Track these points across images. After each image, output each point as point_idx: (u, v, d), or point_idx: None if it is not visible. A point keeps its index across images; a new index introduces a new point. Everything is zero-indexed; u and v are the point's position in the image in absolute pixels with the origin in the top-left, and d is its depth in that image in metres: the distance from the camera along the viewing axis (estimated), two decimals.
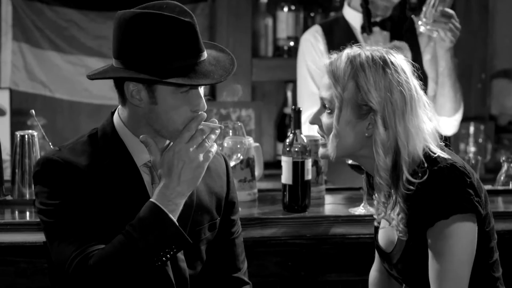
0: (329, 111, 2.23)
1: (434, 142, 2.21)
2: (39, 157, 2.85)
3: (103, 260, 2.08)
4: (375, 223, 2.37)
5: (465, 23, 3.34)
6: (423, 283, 2.21)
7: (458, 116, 3.56)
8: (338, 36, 3.50)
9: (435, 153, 2.18)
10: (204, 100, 2.19)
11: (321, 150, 2.29)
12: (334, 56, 2.24)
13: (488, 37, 4.70)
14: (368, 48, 2.23)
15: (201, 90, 2.21)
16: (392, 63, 2.18)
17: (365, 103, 2.16)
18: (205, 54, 2.18)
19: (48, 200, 2.16)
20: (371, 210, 2.39)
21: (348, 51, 2.22)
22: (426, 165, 2.15)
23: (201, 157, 2.13)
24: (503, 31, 4.85)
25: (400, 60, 2.21)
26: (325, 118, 2.24)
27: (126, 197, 2.20)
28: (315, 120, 2.27)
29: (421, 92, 2.22)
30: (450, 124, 3.54)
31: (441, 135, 2.25)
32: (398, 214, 2.21)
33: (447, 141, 2.30)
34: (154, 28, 2.12)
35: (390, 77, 2.16)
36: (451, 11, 3.34)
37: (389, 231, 2.31)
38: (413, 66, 2.24)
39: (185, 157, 2.12)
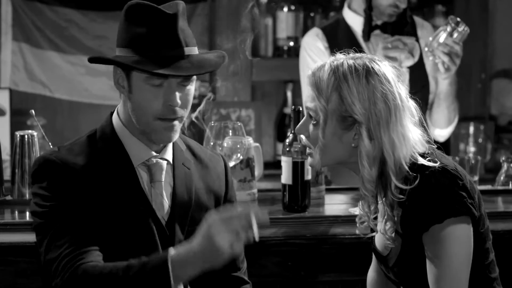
0: (314, 122, 2.21)
1: (422, 148, 2.20)
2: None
3: (92, 276, 2.05)
4: (357, 231, 2.37)
5: (465, 23, 3.32)
6: (420, 286, 2.21)
7: (451, 128, 3.58)
8: (339, 39, 3.48)
9: (420, 161, 2.16)
10: (177, 96, 2.17)
11: (309, 160, 2.28)
12: (317, 66, 2.21)
13: (488, 37, 4.70)
14: (351, 55, 2.20)
15: (191, 87, 2.21)
16: (375, 72, 2.15)
17: (349, 115, 2.14)
18: (190, 50, 2.17)
19: (43, 202, 2.16)
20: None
21: (331, 61, 2.19)
22: (414, 171, 2.13)
23: (226, 242, 1.94)
24: (503, 31, 4.85)
25: (385, 68, 2.18)
26: (311, 129, 2.22)
27: (122, 196, 2.20)
28: (301, 130, 2.25)
29: (406, 99, 2.19)
30: (440, 135, 3.56)
31: (431, 139, 2.24)
32: (385, 222, 2.20)
33: (439, 143, 2.29)
34: (135, 16, 2.15)
35: (374, 87, 2.13)
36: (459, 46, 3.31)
37: None
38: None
39: (212, 232, 1.95)
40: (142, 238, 2.21)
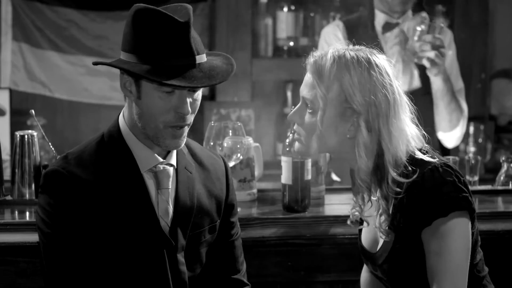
0: (310, 110, 2.20)
1: (419, 144, 2.20)
2: (38, 157, 2.85)
3: None
4: (348, 222, 2.36)
5: (465, 23, 3.32)
6: (409, 284, 2.21)
7: (456, 132, 3.55)
8: (359, 33, 3.49)
9: (419, 155, 2.16)
10: (188, 105, 2.16)
11: (297, 146, 2.27)
12: (318, 54, 2.21)
13: (488, 37, 4.70)
14: (352, 47, 2.21)
15: (199, 92, 2.19)
16: (376, 65, 2.15)
17: (349, 106, 2.14)
18: (200, 58, 2.15)
19: (48, 220, 2.16)
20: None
21: (333, 50, 2.19)
22: (412, 166, 2.14)
23: None
24: (503, 31, 4.86)
25: (384, 61, 2.18)
26: (306, 117, 2.21)
27: (128, 205, 2.19)
28: (295, 117, 2.24)
29: (403, 94, 2.20)
30: (447, 139, 3.55)
31: (426, 137, 2.24)
32: (380, 215, 2.20)
33: (430, 143, 2.29)
34: (145, 22, 2.11)
35: (375, 80, 2.13)
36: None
37: (373, 231, 2.29)
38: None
39: None
40: (145, 245, 2.20)
